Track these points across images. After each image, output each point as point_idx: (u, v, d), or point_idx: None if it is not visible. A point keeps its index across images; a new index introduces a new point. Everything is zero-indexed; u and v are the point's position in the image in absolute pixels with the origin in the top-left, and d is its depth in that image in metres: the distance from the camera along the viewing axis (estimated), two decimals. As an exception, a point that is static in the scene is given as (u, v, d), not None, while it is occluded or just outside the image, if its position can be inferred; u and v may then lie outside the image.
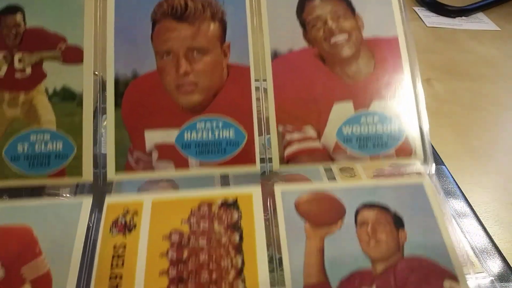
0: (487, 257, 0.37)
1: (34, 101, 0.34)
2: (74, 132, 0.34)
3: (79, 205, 0.32)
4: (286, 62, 0.35)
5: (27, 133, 0.34)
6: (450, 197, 0.43)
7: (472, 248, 0.37)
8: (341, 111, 0.34)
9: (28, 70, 0.34)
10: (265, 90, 0.34)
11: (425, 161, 0.33)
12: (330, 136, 0.34)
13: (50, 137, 0.34)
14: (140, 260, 0.29)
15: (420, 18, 0.82)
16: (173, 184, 0.35)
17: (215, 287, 0.28)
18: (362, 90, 0.34)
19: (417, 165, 0.34)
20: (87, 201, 0.32)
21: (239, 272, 0.29)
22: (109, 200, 0.32)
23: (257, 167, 0.33)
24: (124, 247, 0.30)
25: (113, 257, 0.29)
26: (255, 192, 0.32)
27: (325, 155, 0.34)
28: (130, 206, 0.32)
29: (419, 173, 0.34)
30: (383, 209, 0.31)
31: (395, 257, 0.29)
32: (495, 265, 0.36)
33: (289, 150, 0.34)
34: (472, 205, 0.43)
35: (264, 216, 0.31)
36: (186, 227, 0.31)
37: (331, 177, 0.35)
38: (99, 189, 0.33)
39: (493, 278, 0.35)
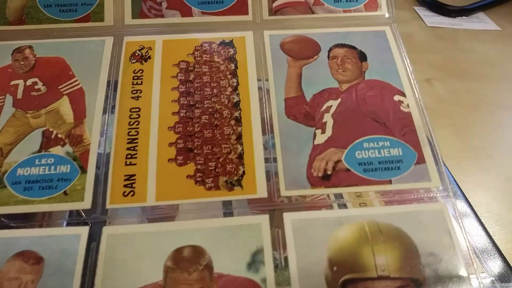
0: (488, 258, 0.37)
1: None
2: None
3: (102, 42, 0.39)
4: None
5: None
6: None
7: (472, 248, 0.36)
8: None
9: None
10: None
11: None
12: (311, -7, 0.40)
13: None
14: (155, 79, 0.37)
15: (420, 17, 0.81)
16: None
17: (215, 98, 0.36)
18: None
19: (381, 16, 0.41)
20: (109, 40, 0.39)
21: (235, 89, 0.36)
22: (127, 39, 0.39)
23: (249, 16, 0.40)
24: (142, 70, 0.37)
25: (133, 77, 0.37)
26: (248, 35, 0.39)
27: (307, 9, 0.41)
28: (144, 43, 0.39)
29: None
30: (351, 47, 0.38)
31: (357, 80, 0.37)
32: (496, 266, 0.36)
33: (276, 3, 0.40)
34: (472, 205, 0.43)
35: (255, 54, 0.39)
36: (191, 58, 0.38)
37: (313, 27, 0.41)
38: (118, 30, 0.40)
39: (493, 279, 0.35)
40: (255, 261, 0.28)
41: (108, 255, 0.29)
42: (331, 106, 0.35)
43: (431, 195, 0.31)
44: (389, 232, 0.29)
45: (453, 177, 0.46)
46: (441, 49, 0.73)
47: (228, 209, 0.32)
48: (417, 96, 0.36)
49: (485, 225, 0.41)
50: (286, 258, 0.28)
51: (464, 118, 0.58)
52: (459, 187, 0.45)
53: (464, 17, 0.82)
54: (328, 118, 0.34)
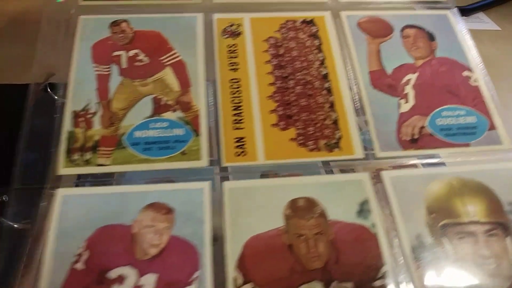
0: None
1: None
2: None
3: (194, 18, 0.42)
4: None
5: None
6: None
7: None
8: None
9: None
10: None
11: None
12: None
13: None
14: (249, 53, 0.40)
15: None
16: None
17: (306, 71, 0.40)
18: None
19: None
20: (200, 16, 0.42)
21: (322, 63, 0.40)
22: (216, 16, 0.42)
23: (326, -2, 0.44)
24: (235, 45, 0.41)
25: (228, 51, 0.40)
26: (326, 14, 0.43)
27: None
28: (234, 20, 0.42)
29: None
30: (420, 28, 0.43)
31: (429, 57, 0.41)
32: None
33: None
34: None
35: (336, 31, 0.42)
36: (278, 34, 0.42)
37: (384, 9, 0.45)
38: (207, 7, 0.43)
39: None
40: (363, 210, 0.33)
41: (232, 205, 0.33)
42: (410, 79, 0.39)
43: (504, 156, 0.36)
44: (473, 185, 0.34)
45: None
46: (441, 49, 0.76)
47: (328, 168, 0.36)
48: (482, 71, 0.40)
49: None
50: (390, 208, 0.33)
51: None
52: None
53: (463, 17, 0.82)
54: (409, 90, 0.38)
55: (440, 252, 0.30)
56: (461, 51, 0.42)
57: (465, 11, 0.81)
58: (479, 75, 0.40)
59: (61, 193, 0.33)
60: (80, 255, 0.30)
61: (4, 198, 0.34)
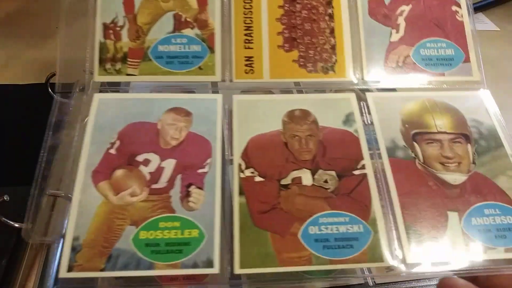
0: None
1: None
2: None
3: None
4: None
5: None
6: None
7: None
8: None
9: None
10: None
11: None
12: None
13: None
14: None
15: None
16: None
17: (316, 25, 0.44)
18: None
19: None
20: None
21: (331, 17, 0.44)
22: None
23: None
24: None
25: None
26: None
27: None
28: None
29: None
30: None
31: None
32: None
33: None
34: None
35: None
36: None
37: None
38: None
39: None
40: (348, 119, 0.39)
41: (240, 112, 0.39)
42: (404, 10, 0.44)
43: (473, 86, 0.42)
44: (443, 105, 0.40)
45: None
46: (440, 49, 0.76)
47: (322, 90, 0.42)
48: (469, 8, 0.45)
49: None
50: (371, 119, 0.39)
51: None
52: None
53: None
54: (401, 21, 0.44)
55: (410, 152, 0.37)
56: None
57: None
58: (466, 11, 0.45)
59: (97, 97, 0.40)
60: (113, 143, 0.37)
61: (5, 198, 0.38)
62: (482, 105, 0.41)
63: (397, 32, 0.43)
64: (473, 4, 0.84)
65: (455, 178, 0.36)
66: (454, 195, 0.35)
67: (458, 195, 0.35)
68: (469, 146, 0.38)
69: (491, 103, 0.41)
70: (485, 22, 0.83)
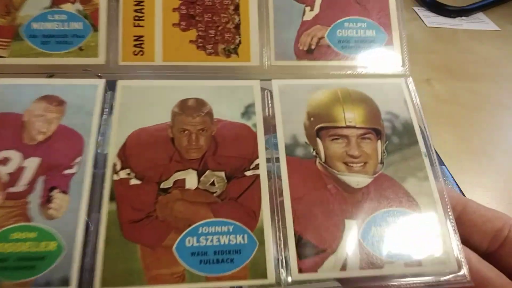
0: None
1: None
2: None
3: None
4: None
5: None
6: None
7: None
8: None
9: None
10: None
11: None
12: None
13: None
14: None
15: (420, 18, 0.81)
16: None
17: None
18: None
19: None
20: None
21: (236, 8, 0.38)
22: None
23: None
24: None
25: None
26: None
27: None
28: None
29: None
30: None
31: None
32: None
33: None
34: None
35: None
36: None
37: None
38: None
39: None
40: (248, 112, 0.34)
41: (123, 101, 0.34)
42: (320, -16, 0.39)
43: (393, 72, 0.38)
44: (357, 95, 0.36)
45: (452, 176, 0.47)
46: (440, 49, 0.73)
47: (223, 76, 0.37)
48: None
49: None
50: (273, 111, 0.34)
51: (464, 118, 0.59)
52: (458, 187, 0.46)
53: (463, 18, 0.83)
54: (317, -4, 0.38)
55: (311, 149, 0.33)
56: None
57: (465, 11, 0.83)
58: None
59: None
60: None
61: None
62: (401, 95, 0.36)
63: (312, 9, 0.38)
64: (473, 3, 0.82)
65: (358, 180, 0.32)
66: (355, 200, 0.31)
67: (360, 200, 0.31)
68: (379, 143, 0.34)
69: (412, 93, 0.37)
70: (485, 22, 0.82)
